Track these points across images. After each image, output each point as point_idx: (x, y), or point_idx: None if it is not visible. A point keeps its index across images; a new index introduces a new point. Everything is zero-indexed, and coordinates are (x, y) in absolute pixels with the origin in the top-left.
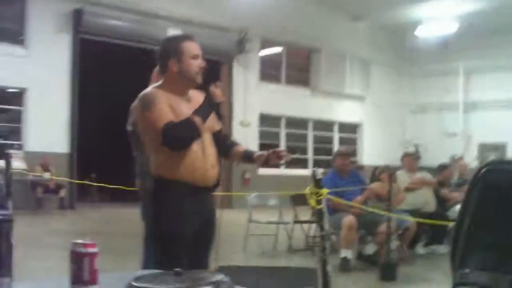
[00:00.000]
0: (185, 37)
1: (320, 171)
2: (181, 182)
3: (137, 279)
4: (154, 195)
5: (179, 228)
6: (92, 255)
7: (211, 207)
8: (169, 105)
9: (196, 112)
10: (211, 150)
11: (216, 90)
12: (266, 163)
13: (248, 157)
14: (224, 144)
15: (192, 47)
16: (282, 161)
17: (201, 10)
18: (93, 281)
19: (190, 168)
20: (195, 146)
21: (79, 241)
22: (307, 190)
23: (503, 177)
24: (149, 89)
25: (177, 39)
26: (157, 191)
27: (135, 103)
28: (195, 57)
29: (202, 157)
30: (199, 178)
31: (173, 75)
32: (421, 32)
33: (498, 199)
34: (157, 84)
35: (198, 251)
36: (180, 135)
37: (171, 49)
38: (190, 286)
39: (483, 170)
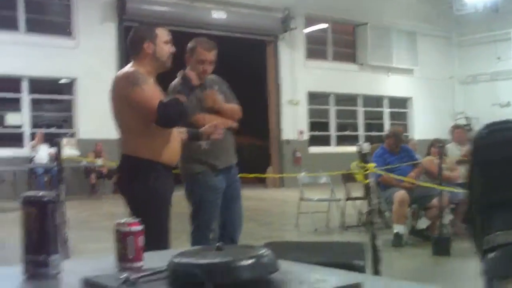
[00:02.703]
0: (157, 24)
1: (365, 145)
2: (161, 164)
3: (179, 255)
4: (130, 173)
5: (163, 205)
6: (136, 234)
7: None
8: (153, 85)
9: (179, 92)
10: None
11: (192, 73)
12: (208, 137)
13: (193, 135)
14: None
15: (165, 33)
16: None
17: None
18: (138, 258)
19: (170, 150)
20: (174, 128)
21: (123, 220)
22: (353, 165)
23: (500, 137)
24: (129, 68)
25: (151, 25)
26: (135, 170)
27: (118, 81)
28: (167, 42)
29: (178, 139)
30: (174, 159)
31: (147, 57)
32: None
33: (502, 157)
34: (130, 65)
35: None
36: (173, 114)
37: (147, 32)
38: (231, 260)
39: (483, 132)
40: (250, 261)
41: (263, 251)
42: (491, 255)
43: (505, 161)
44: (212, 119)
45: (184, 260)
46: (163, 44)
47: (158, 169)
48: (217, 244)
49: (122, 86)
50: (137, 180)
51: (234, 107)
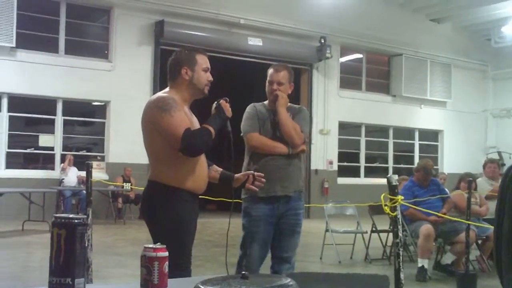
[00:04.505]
0: (199, 50)
1: (395, 177)
2: (186, 191)
3: (204, 282)
4: (154, 199)
5: (185, 232)
6: (162, 259)
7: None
8: (184, 112)
9: (209, 122)
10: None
11: (227, 105)
12: (243, 186)
13: (225, 178)
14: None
15: (205, 60)
16: (255, 187)
17: (280, 18)
18: (162, 284)
19: (197, 178)
20: (202, 156)
21: (150, 245)
22: (382, 197)
23: None
24: (162, 93)
25: (191, 50)
26: (159, 197)
27: (149, 105)
28: (206, 69)
29: (205, 167)
30: (200, 187)
31: (184, 83)
32: (508, 30)
33: None
34: (166, 90)
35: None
36: (197, 143)
37: (186, 58)
38: None
39: None
40: None
41: (288, 281)
42: None
43: None
44: (257, 138)
45: (209, 287)
46: (201, 71)
47: (182, 196)
48: (243, 273)
49: (152, 111)
50: (160, 206)
51: (296, 127)
